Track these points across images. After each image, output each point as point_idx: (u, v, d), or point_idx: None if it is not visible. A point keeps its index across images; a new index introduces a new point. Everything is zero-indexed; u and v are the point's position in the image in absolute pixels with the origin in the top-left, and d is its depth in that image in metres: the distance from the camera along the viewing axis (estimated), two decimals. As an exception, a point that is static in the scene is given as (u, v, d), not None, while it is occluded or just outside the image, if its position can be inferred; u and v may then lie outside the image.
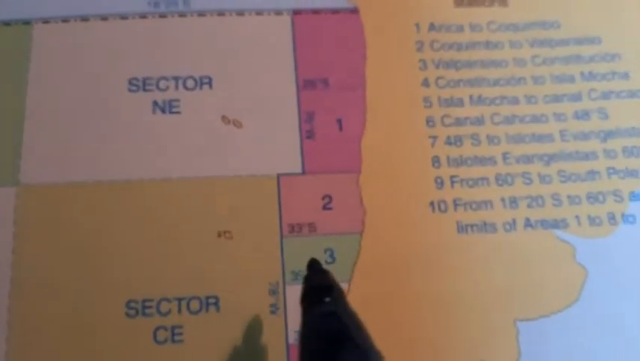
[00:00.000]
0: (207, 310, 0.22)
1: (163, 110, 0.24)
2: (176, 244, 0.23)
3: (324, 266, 0.22)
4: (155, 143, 0.24)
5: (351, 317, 0.18)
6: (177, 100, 0.25)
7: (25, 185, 0.23)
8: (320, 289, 0.19)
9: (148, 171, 0.24)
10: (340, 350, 0.17)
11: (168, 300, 0.22)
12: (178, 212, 0.23)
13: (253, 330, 0.22)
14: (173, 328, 0.22)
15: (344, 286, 0.23)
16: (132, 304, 0.22)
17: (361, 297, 0.23)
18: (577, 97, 0.26)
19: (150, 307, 0.22)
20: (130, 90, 0.25)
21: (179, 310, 0.22)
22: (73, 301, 0.22)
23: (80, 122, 0.24)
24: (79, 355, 0.22)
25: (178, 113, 0.24)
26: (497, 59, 0.26)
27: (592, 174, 0.25)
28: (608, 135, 0.26)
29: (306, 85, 0.25)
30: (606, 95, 0.26)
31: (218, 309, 0.22)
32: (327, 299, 0.18)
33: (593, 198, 0.25)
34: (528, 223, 0.25)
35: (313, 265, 0.21)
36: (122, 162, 0.24)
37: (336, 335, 0.17)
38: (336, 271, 0.23)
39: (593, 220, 0.25)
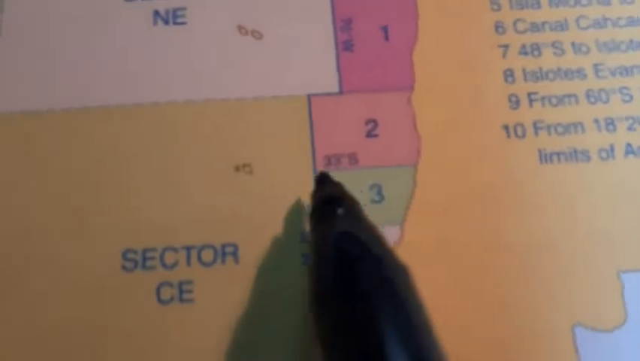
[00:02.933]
0: (223, 261, 0.18)
1: (166, 21, 0.20)
2: (184, 180, 0.19)
3: (371, 207, 0.18)
4: (157, 60, 0.20)
5: (367, 231, 0.16)
6: (183, 8, 0.20)
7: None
8: (330, 201, 0.17)
9: (148, 94, 0.19)
10: (352, 263, 0.15)
11: (174, 249, 0.18)
12: (186, 142, 0.19)
13: (281, 287, 0.18)
14: (180, 284, 0.18)
15: (394, 230, 0.18)
16: (130, 255, 0.18)
17: (416, 245, 0.18)
18: (686, -7, 0.21)
19: (152, 258, 0.18)
20: (126, -1, 0.20)
21: (189, 262, 0.18)
22: (58, 252, 0.18)
23: (65, 37, 0.20)
24: (63, 316, 0.17)
25: (184, 23, 0.20)
26: (582, -51, 0.21)
27: None
28: None
29: (341, -16, 0.20)
30: None
31: (236, 260, 0.18)
32: (340, 211, 0.16)
33: None
34: (630, 150, 0.19)
35: (322, 178, 0.18)
36: (116, 84, 0.19)
37: (350, 251, 0.15)
38: (385, 213, 0.18)
39: None
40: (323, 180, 0.18)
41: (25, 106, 0.19)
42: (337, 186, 0.17)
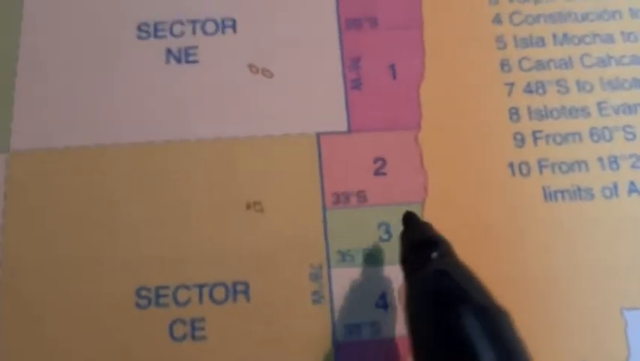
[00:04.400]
0: (235, 299, 0.18)
1: (178, 60, 0.20)
2: (195, 218, 0.19)
3: (380, 245, 0.19)
4: (170, 98, 0.20)
5: (464, 271, 0.16)
6: (195, 47, 0.21)
7: (17, 151, 0.20)
8: (423, 246, 0.16)
9: (161, 132, 0.20)
10: (452, 308, 0.14)
11: (187, 287, 0.18)
12: (198, 180, 0.19)
13: (291, 324, 0.18)
14: (193, 321, 0.18)
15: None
16: (144, 293, 0.18)
17: (425, 282, 0.19)
18: (689, 31, 0.21)
19: (165, 295, 0.18)
20: (139, 37, 0.21)
21: (201, 300, 0.18)
22: (73, 289, 0.18)
23: (81, 76, 0.20)
24: (79, 352, 0.18)
25: (196, 62, 0.20)
26: (586, -12, 0.22)
27: None
28: None
29: (349, 25, 0.21)
30: None
31: (247, 298, 0.18)
32: (434, 255, 0.16)
33: None
34: (633, 188, 0.20)
35: (410, 218, 0.18)
36: (130, 122, 0.20)
37: (447, 292, 0.15)
38: (394, 250, 0.18)
39: None
40: (411, 221, 0.18)
41: (42, 143, 0.20)
42: (427, 227, 0.17)
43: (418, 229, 0.17)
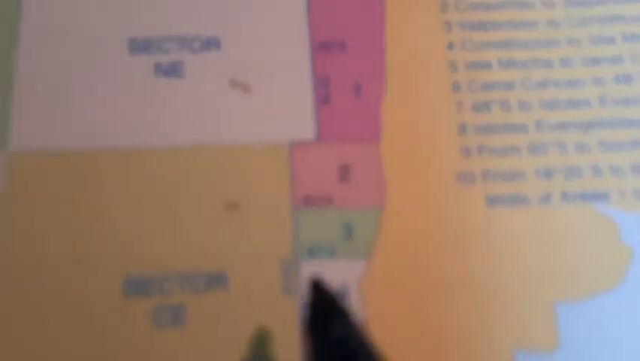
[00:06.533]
0: (213, 288, 0.20)
1: (166, 74, 0.23)
2: (179, 216, 0.21)
3: (342, 242, 0.21)
4: (157, 108, 0.22)
5: (362, 341, 0.17)
6: (181, 63, 0.23)
7: (16, 152, 0.22)
8: (326, 314, 0.17)
9: (149, 139, 0.22)
10: None
11: (169, 278, 0.21)
12: (181, 182, 0.21)
13: (263, 311, 0.20)
14: (174, 308, 0.20)
15: (361, 264, 0.21)
16: (130, 282, 0.20)
17: (382, 276, 0.21)
18: (617, 59, 0.24)
19: (150, 285, 0.20)
20: (130, 52, 0.23)
21: (182, 289, 0.20)
22: (65, 279, 0.20)
23: (76, 85, 0.22)
24: (69, 337, 0.20)
25: (182, 77, 0.23)
26: (529, 20, 0.24)
27: (636, 144, 0.23)
28: (653, 102, 0.24)
29: (320, 47, 0.23)
30: (650, 59, 0.24)
31: (225, 288, 0.21)
32: (335, 324, 0.17)
33: (638, 169, 0.23)
34: (564, 197, 0.22)
35: (316, 287, 0.19)
36: (120, 128, 0.22)
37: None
38: (355, 248, 0.21)
39: (638, 194, 0.22)
40: (317, 289, 0.19)
41: (38, 144, 0.22)
42: (331, 297, 0.18)
43: (323, 296, 0.18)
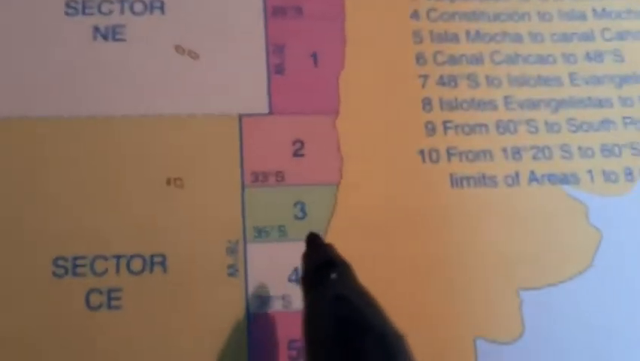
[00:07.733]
0: (152, 270, 0.19)
1: (105, 37, 0.21)
2: (117, 191, 0.19)
3: (294, 222, 0.19)
4: (96, 75, 0.20)
5: (362, 296, 0.16)
6: (122, 25, 0.21)
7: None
8: (323, 266, 0.16)
9: (86, 108, 0.20)
10: (354, 336, 0.14)
11: (104, 258, 0.19)
12: (120, 155, 0.20)
13: (207, 295, 0.19)
14: (109, 291, 0.19)
15: (316, 245, 0.20)
16: (61, 262, 0.19)
17: (336, 259, 0.20)
18: (588, 36, 0.23)
19: (83, 265, 0.19)
20: (67, 13, 0.21)
21: (118, 271, 0.19)
22: (-12, 258, 0.19)
23: (7, 50, 0.20)
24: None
25: (123, 40, 0.21)
26: (498, -10, 0.23)
27: (606, 124, 0.22)
28: (623, 80, 0.22)
29: (275, 12, 0.22)
30: (622, 36, 0.23)
31: (164, 270, 0.19)
32: (333, 276, 0.16)
33: (607, 150, 0.21)
34: (533, 177, 0.21)
35: (313, 240, 0.18)
36: (55, 97, 0.20)
37: (348, 320, 0.15)
38: (307, 229, 0.19)
39: (607, 176, 0.21)
40: (313, 243, 0.17)
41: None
42: (329, 249, 0.17)
43: (320, 250, 0.17)
